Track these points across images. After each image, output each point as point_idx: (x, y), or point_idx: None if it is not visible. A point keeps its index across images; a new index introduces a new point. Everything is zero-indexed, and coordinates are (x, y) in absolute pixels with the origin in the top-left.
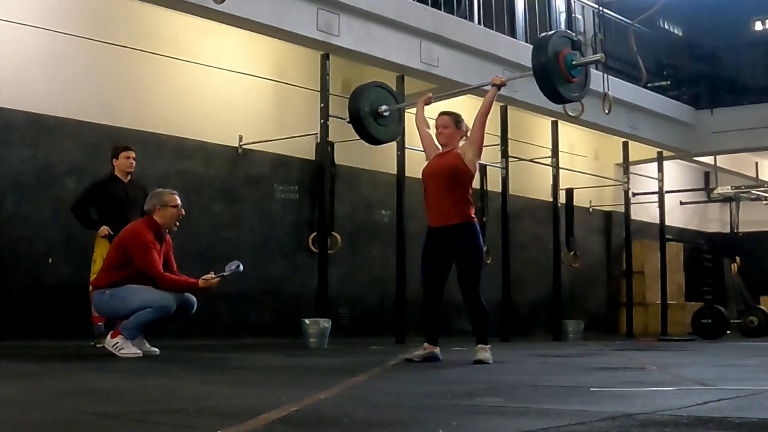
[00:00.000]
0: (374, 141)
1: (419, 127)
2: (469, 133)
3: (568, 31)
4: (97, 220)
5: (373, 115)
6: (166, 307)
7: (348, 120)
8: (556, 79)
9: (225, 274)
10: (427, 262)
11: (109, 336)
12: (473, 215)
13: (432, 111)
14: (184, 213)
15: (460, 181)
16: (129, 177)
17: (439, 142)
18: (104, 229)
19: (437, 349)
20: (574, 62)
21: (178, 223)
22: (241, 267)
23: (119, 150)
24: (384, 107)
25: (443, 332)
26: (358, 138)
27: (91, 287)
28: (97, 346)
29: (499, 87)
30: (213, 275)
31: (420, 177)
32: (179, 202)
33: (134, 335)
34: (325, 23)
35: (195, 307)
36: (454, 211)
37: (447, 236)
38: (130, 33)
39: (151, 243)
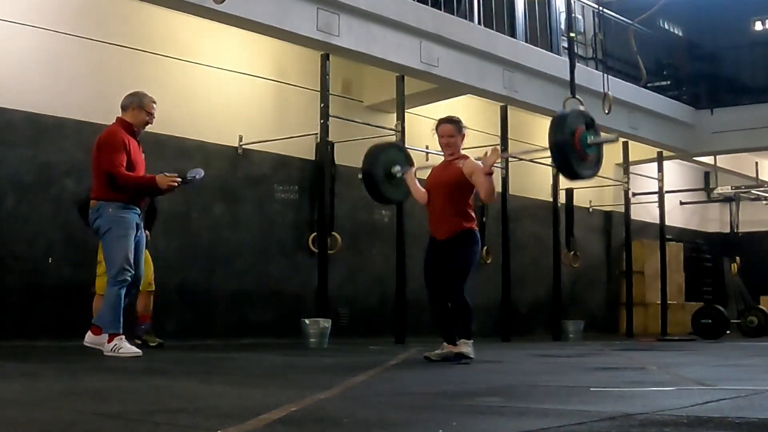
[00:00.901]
0: (387, 201)
1: (415, 196)
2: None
3: (582, 109)
4: None
5: (387, 178)
6: (121, 281)
7: (360, 177)
8: (571, 157)
9: (188, 178)
10: (428, 270)
11: (105, 342)
12: (473, 225)
13: (431, 112)
14: (152, 124)
15: (462, 193)
16: None
17: (443, 152)
18: None
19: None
20: (589, 142)
21: (145, 128)
22: (202, 173)
23: None
24: (396, 168)
25: (439, 335)
26: (358, 138)
27: (92, 200)
28: None
29: (491, 173)
30: (172, 176)
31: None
32: (154, 112)
33: (117, 325)
34: (325, 23)
35: (140, 282)
36: (453, 223)
37: (445, 247)
38: (130, 33)
39: (122, 144)
